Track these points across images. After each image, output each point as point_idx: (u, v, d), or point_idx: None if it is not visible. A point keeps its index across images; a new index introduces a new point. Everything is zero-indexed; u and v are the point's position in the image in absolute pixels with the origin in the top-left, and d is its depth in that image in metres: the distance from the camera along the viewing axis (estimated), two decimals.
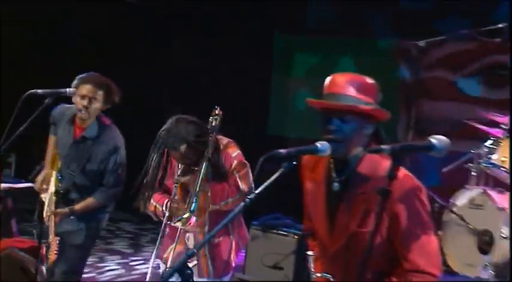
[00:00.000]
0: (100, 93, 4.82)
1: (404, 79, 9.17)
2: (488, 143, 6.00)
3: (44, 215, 4.96)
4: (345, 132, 2.98)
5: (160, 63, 10.89)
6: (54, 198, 4.90)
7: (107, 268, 8.08)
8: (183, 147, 4.28)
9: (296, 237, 6.75)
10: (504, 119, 6.01)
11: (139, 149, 10.31)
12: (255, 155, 3.11)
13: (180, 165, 4.43)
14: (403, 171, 2.95)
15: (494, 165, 5.86)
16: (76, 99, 4.80)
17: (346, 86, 3.03)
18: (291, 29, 10.54)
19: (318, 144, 2.97)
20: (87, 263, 7.99)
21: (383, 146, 2.79)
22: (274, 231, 6.92)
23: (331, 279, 3.06)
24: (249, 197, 2.99)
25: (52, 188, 4.96)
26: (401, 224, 2.94)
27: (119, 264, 8.30)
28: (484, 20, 6.41)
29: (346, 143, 2.99)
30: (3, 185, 6.43)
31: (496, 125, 6.10)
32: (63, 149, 4.98)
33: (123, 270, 7.97)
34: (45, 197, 5.06)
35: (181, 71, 10.73)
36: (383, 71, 9.58)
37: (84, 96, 4.78)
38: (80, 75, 4.90)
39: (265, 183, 3.03)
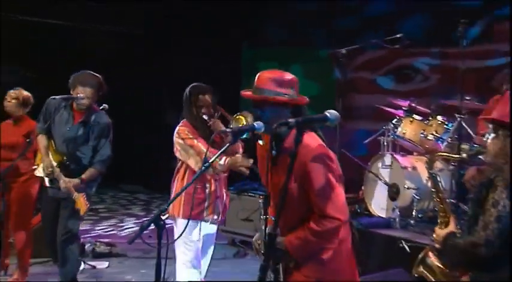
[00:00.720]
0: (94, 91, 4.80)
1: (338, 79, 9.25)
2: (394, 121, 6.04)
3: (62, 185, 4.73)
4: (267, 116, 2.96)
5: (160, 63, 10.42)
6: (57, 169, 4.75)
7: (125, 227, 8.20)
8: (211, 94, 4.31)
9: (261, 197, 6.82)
10: (405, 103, 6.09)
11: (139, 148, 10.26)
12: None
13: None
14: (317, 141, 2.93)
15: (398, 136, 5.92)
16: (77, 94, 4.75)
17: (266, 81, 2.99)
18: (255, 44, 10.60)
19: (255, 123, 2.95)
20: (111, 223, 8.18)
21: (289, 120, 2.74)
22: (246, 193, 7.07)
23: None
24: (205, 164, 3.05)
25: (53, 162, 4.82)
26: (313, 181, 2.89)
27: (134, 223, 8.38)
28: (392, 33, 6.45)
29: (269, 124, 2.91)
30: None
31: (399, 108, 6.17)
32: (64, 130, 4.84)
33: (138, 228, 7.98)
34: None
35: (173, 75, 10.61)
36: (324, 74, 9.70)
37: (81, 93, 4.75)
38: (76, 75, 4.83)
39: (217, 154, 3.10)
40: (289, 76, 3.06)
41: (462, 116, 5.48)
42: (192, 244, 4.32)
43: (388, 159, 5.86)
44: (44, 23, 9.65)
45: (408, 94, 7.52)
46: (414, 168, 5.72)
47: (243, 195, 7.06)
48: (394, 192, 5.73)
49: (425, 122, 5.76)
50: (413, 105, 6.02)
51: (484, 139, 3.80)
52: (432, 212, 5.56)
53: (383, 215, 5.76)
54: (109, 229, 7.91)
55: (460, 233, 2.85)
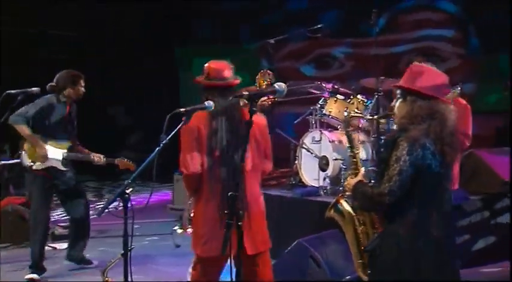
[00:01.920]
0: None
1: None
2: (320, 101, 6.07)
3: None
4: None
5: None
6: (73, 154, 5.08)
7: None
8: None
9: None
10: (328, 86, 6.11)
11: (139, 148, 9.89)
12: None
13: None
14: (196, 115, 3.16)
15: (324, 115, 5.95)
16: (80, 88, 5.07)
17: None
18: (189, 43, 10.45)
19: (206, 103, 2.98)
20: None
21: (243, 93, 2.81)
22: None
23: None
24: (162, 142, 2.95)
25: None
26: None
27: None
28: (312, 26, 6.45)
29: None
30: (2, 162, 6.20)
31: (324, 90, 6.18)
32: (62, 123, 5.08)
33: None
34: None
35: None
36: (251, 66, 9.67)
37: (83, 86, 5.10)
38: (75, 74, 5.10)
39: (173, 132, 3.01)
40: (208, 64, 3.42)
41: (379, 94, 5.57)
42: None
43: (317, 135, 5.87)
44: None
45: (328, 79, 7.61)
46: (340, 141, 5.76)
47: None
48: (324, 163, 5.74)
49: (347, 101, 5.82)
50: (336, 87, 6.07)
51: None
52: None
53: (315, 184, 5.77)
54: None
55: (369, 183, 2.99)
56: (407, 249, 2.68)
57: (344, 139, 5.82)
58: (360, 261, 3.03)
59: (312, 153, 5.84)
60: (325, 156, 5.74)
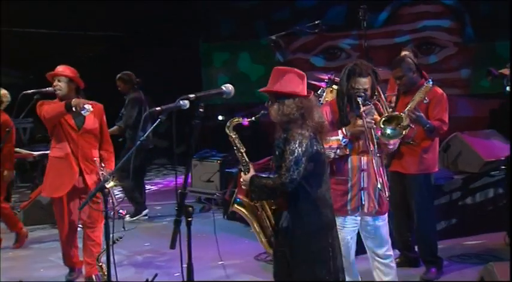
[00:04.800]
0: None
1: (280, 61, 9.25)
2: (319, 91, 6.05)
3: None
4: None
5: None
6: None
7: None
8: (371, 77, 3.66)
9: (219, 162, 6.89)
10: (325, 76, 6.07)
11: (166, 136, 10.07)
12: None
13: None
14: None
15: (322, 104, 5.92)
16: None
17: None
18: (210, 39, 10.53)
19: (181, 101, 2.68)
20: None
21: (190, 95, 2.65)
22: (206, 159, 7.04)
23: None
24: (141, 139, 2.89)
25: None
26: None
27: None
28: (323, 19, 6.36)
29: None
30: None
31: (323, 80, 6.15)
32: None
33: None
34: None
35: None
36: (268, 58, 9.69)
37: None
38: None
39: (149, 130, 2.93)
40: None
41: None
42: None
43: None
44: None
45: (336, 69, 7.58)
46: None
47: (204, 161, 7.06)
48: None
49: None
50: (332, 77, 6.04)
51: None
52: None
53: None
54: None
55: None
56: (315, 222, 2.87)
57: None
58: (265, 239, 3.08)
59: None
60: None
